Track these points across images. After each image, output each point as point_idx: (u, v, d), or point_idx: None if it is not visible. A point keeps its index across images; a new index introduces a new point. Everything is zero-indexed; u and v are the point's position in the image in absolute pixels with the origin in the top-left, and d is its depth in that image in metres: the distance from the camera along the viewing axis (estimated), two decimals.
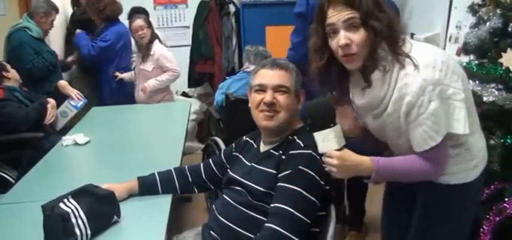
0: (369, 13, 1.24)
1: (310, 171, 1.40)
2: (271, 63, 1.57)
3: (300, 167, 1.40)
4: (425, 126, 1.23)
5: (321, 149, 1.32)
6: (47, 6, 3.26)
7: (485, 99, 1.86)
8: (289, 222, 1.34)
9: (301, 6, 2.40)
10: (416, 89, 1.21)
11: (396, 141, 1.38)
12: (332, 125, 1.29)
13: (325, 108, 1.31)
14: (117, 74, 3.65)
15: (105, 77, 3.67)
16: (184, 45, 4.65)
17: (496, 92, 1.86)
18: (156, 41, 3.48)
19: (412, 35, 3.21)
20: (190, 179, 1.75)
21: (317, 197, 1.40)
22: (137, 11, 3.83)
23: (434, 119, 1.22)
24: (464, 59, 2.10)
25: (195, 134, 4.37)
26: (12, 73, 2.85)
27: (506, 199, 1.80)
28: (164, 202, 1.66)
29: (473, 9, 2.07)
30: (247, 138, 1.70)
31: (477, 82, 1.94)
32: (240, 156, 1.66)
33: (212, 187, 1.80)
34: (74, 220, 1.37)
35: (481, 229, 1.79)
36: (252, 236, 1.42)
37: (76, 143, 2.41)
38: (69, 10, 4.39)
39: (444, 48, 2.84)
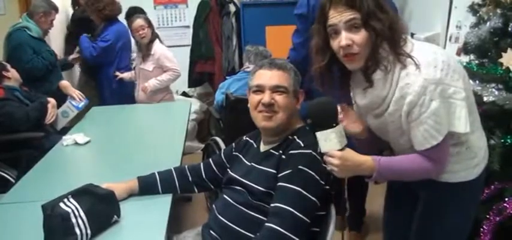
0: (370, 14, 1.24)
1: (310, 171, 1.40)
2: (269, 63, 1.56)
3: (300, 166, 1.40)
4: (426, 125, 1.24)
5: (323, 149, 1.32)
6: (46, 6, 3.25)
7: (485, 99, 1.86)
8: (289, 221, 1.33)
9: (302, 8, 2.40)
10: (417, 88, 1.21)
11: (397, 140, 1.38)
12: (334, 124, 1.29)
13: (326, 108, 1.31)
14: (117, 73, 3.65)
15: (106, 77, 3.67)
16: (185, 45, 4.65)
17: (496, 92, 1.85)
18: (157, 41, 3.48)
19: (412, 34, 3.21)
20: (190, 179, 1.75)
21: (317, 196, 1.40)
22: (135, 11, 3.83)
23: (436, 118, 1.22)
24: (465, 58, 2.10)
25: (195, 133, 4.37)
26: (12, 73, 2.85)
27: (506, 199, 1.80)
28: (164, 202, 1.66)
29: (473, 9, 2.07)
30: (248, 138, 1.70)
31: (477, 82, 1.93)
32: (240, 156, 1.65)
33: (212, 187, 1.79)
34: (74, 220, 1.37)
35: (481, 229, 1.79)
36: (252, 235, 1.42)
37: (76, 143, 2.41)
38: (70, 9, 4.40)
39: (444, 48, 2.84)
